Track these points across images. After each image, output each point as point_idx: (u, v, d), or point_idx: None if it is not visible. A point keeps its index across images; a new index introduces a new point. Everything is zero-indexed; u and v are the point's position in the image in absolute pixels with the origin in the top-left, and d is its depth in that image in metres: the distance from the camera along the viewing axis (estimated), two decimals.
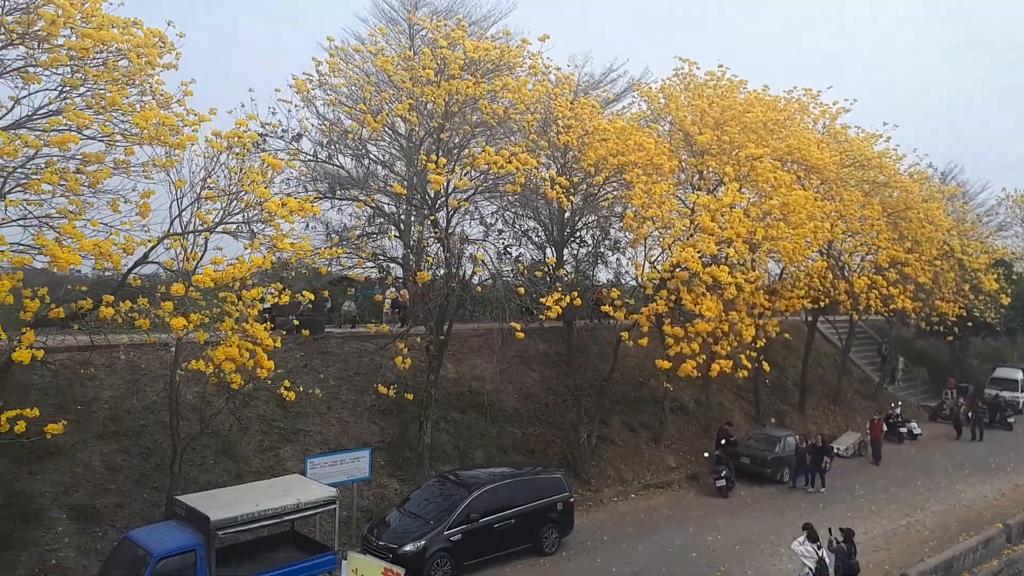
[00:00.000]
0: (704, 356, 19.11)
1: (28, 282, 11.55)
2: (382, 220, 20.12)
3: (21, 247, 11.23)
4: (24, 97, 11.62)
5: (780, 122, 24.97)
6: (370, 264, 20.44)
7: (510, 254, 23.41)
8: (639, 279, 21.05)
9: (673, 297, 19.21)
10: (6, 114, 11.52)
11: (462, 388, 22.67)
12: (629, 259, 24.37)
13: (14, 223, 11.67)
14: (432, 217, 18.38)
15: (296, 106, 17.53)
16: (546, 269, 21.20)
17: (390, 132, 19.18)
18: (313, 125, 18.41)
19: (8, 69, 11.45)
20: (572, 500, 17.98)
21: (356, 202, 19.42)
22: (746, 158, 21.57)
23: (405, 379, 19.03)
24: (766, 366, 21.77)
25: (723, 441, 23.23)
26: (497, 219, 22.92)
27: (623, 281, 25.47)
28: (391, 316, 25.05)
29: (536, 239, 24.40)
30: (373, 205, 18.93)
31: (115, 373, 17.38)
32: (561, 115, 20.11)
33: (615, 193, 21.87)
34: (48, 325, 12.25)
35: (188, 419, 15.85)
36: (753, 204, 21.30)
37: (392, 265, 21.05)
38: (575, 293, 18.45)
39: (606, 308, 19.53)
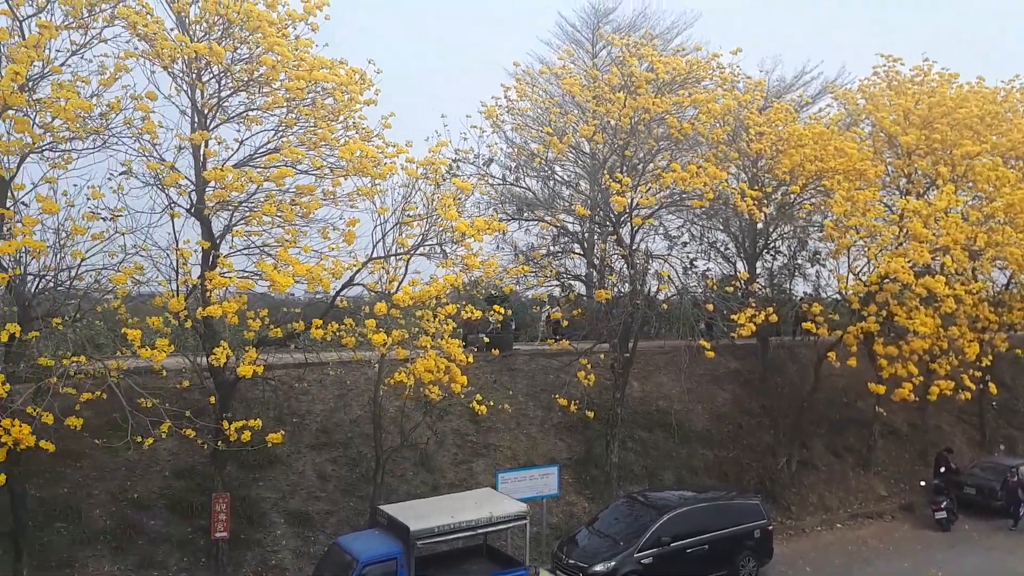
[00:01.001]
0: (922, 378, 17.42)
1: (251, 305, 12.86)
2: (566, 239, 20.32)
3: (245, 273, 12.53)
4: (247, 138, 13.05)
5: (1000, 115, 22.31)
6: (554, 282, 20.71)
7: (697, 268, 22.74)
8: (842, 292, 19.64)
9: (883, 312, 17.72)
10: (233, 154, 12.95)
11: (649, 407, 22.23)
12: (830, 271, 22.80)
13: (239, 252, 13.07)
14: (615, 235, 18.28)
15: (485, 132, 18.21)
16: (737, 284, 20.35)
17: (574, 152, 19.38)
18: (501, 149, 19.05)
19: (234, 114, 12.88)
20: (771, 528, 16.99)
21: (542, 222, 19.77)
22: (961, 157, 19.53)
23: (590, 396, 18.99)
24: (993, 387, 19.48)
25: (942, 469, 21.00)
26: (683, 233, 22.39)
27: (824, 294, 23.90)
28: (544, 333, 25.00)
29: (725, 252, 23.52)
30: (558, 225, 19.16)
31: (325, 388, 18.78)
32: (752, 122, 19.33)
33: (813, 201, 20.62)
34: (268, 344, 13.52)
35: (389, 432, 16.76)
36: (972, 207, 19.23)
37: (575, 283, 21.19)
38: (770, 309, 17.54)
39: (807, 324, 18.40)
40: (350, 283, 13.32)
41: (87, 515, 14.35)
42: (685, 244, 22.50)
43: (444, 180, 13.82)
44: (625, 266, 18.71)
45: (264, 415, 13.97)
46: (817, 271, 23.86)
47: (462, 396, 14.68)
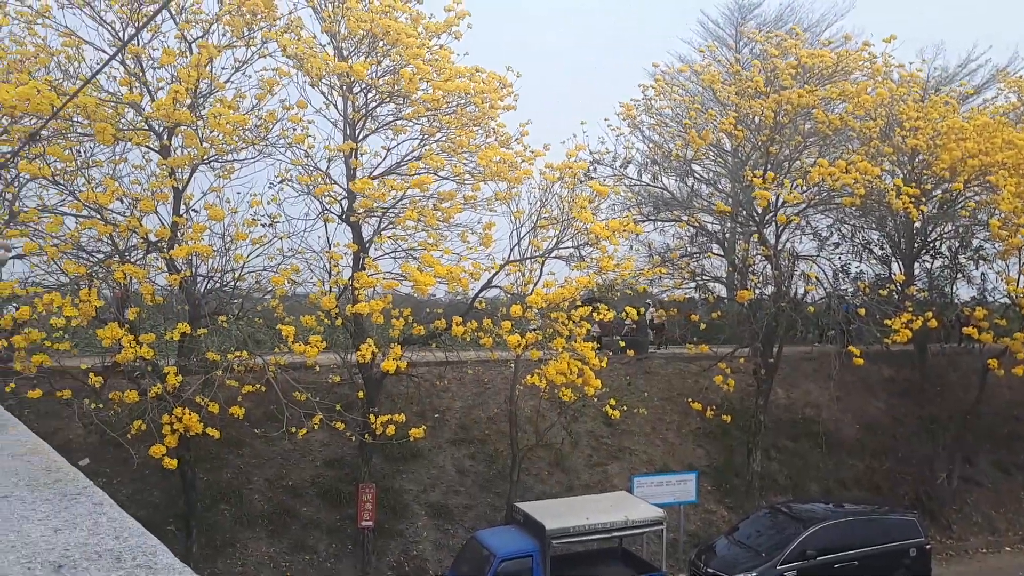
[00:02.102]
0: None
1: (395, 304, 13.43)
2: (705, 239, 19.80)
3: (391, 274, 13.12)
4: (394, 147, 13.65)
5: None
6: (691, 284, 20.23)
7: (848, 271, 21.50)
8: (1011, 296, 17.97)
9: None
10: (380, 163, 13.60)
11: (794, 415, 21.26)
12: (998, 273, 20.94)
13: (386, 255, 13.69)
14: (758, 234, 17.61)
15: (623, 133, 18.09)
16: (892, 287, 19.08)
17: (715, 150, 18.88)
18: (639, 150, 18.86)
19: (381, 124, 13.52)
20: (929, 547, 15.79)
21: (679, 222, 19.37)
22: None
23: (731, 402, 18.40)
24: None
25: None
26: (832, 233, 21.23)
27: (990, 298, 21.95)
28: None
29: (879, 253, 22.11)
30: (696, 224, 18.71)
31: (464, 386, 19.29)
32: (907, 116, 18.05)
33: (978, 199, 19.00)
34: (411, 342, 14.07)
35: (525, 431, 16.98)
36: None
37: (714, 284, 20.60)
38: (929, 314, 16.30)
39: (968, 330, 16.96)
40: (488, 285, 13.64)
41: (247, 499, 15.47)
42: (836, 245, 21.33)
43: (580, 183, 13.86)
44: (768, 267, 17.99)
45: (407, 410, 14.50)
46: (983, 273, 21.97)
47: (595, 399, 14.64)
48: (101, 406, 11.67)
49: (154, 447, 10.97)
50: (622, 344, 18.42)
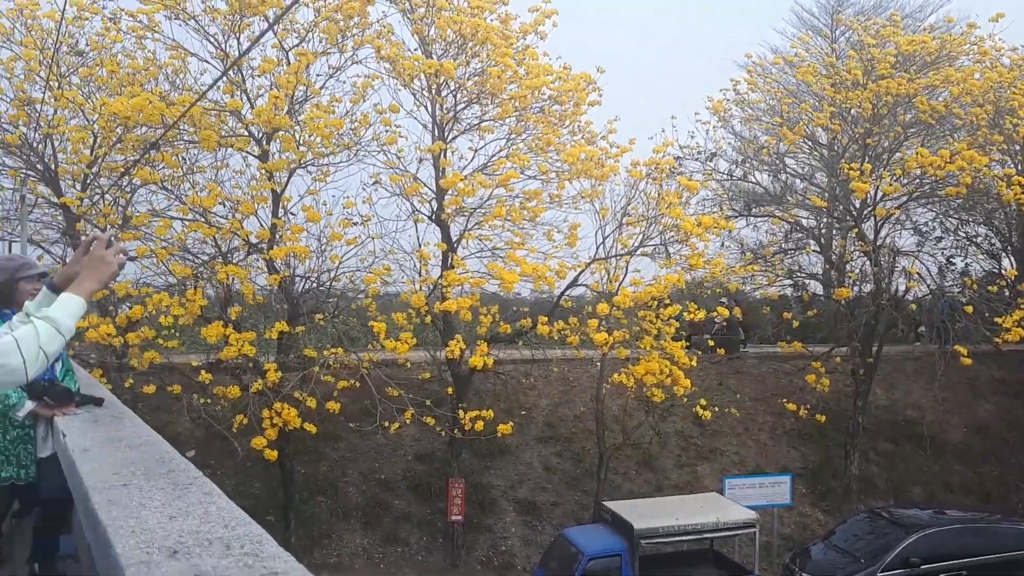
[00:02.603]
0: None
1: (483, 303, 13.61)
2: (800, 235, 19.19)
3: (478, 273, 13.30)
4: (481, 147, 13.84)
5: None
6: (786, 281, 19.64)
7: (954, 266, 20.41)
8: None
9: None
10: (467, 164, 13.81)
11: (895, 417, 20.34)
12: None
13: (473, 255, 13.90)
14: (856, 229, 16.94)
15: (713, 126, 17.74)
16: (1003, 282, 17.99)
17: (809, 143, 18.27)
18: (729, 144, 18.46)
19: (469, 125, 13.73)
20: None
21: (772, 218, 18.84)
22: None
23: (827, 403, 17.77)
24: None
25: None
26: (935, 227, 20.20)
27: None
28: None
29: (988, 247, 20.89)
30: (791, 220, 18.15)
31: (550, 384, 19.34)
32: (1019, 103, 16.96)
33: None
34: (498, 340, 14.22)
35: (612, 430, 16.88)
36: None
37: (809, 282, 19.94)
38: None
39: None
40: (574, 283, 13.64)
41: (343, 491, 15.98)
42: (939, 240, 20.28)
43: (667, 179, 13.69)
44: (867, 263, 17.28)
45: (495, 407, 14.67)
46: None
47: (685, 399, 14.42)
48: (208, 401, 12.28)
49: (256, 440, 11.48)
50: (712, 343, 18.08)
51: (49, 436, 4.47)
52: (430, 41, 12.97)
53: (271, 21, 11.40)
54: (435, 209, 13.52)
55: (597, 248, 13.63)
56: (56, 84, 12.20)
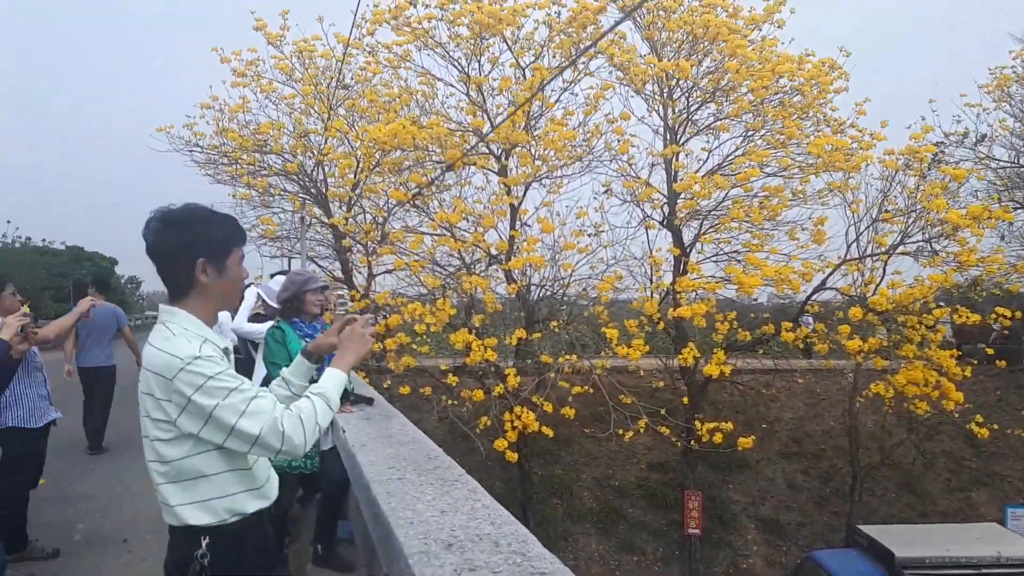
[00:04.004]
0: None
1: (719, 308, 13.10)
2: None
3: (713, 278, 12.84)
4: (715, 147, 13.40)
5: None
6: None
7: None
8: None
9: None
10: (702, 165, 13.43)
11: None
12: None
13: (707, 259, 13.46)
14: None
15: (984, 108, 15.71)
16: None
17: None
18: (1010, 128, 16.20)
19: (703, 126, 13.36)
20: None
21: None
22: None
23: None
24: None
25: None
26: None
27: None
28: None
29: None
30: None
31: (794, 396, 18.22)
32: None
33: None
34: (735, 348, 13.61)
35: (867, 447, 15.51)
36: None
37: None
38: None
39: None
40: (822, 286, 12.68)
41: (577, 495, 16.20)
42: None
43: (930, 169, 12.28)
44: None
45: (733, 418, 14.08)
46: None
47: (955, 415, 12.81)
48: (454, 402, 13.04)
49: (498, 441, 11.96)
50: (990, 352, 15.90)
51: (330, 431, 4.97)
52: (662, 44, 12.79)
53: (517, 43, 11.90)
54: (667, 214, 13.29)
55: (848, 247, 12.57)
56: (327, 116, 13.70)
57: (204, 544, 2.45)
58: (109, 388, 10.27)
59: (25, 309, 5.38)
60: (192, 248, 2.49)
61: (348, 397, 5.27)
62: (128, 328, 10.62)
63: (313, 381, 2.84)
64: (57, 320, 6.82)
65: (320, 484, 5.49)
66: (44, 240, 55.71)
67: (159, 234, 2.49)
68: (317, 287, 5.22)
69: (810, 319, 13.30)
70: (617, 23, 9.70)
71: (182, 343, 2.36)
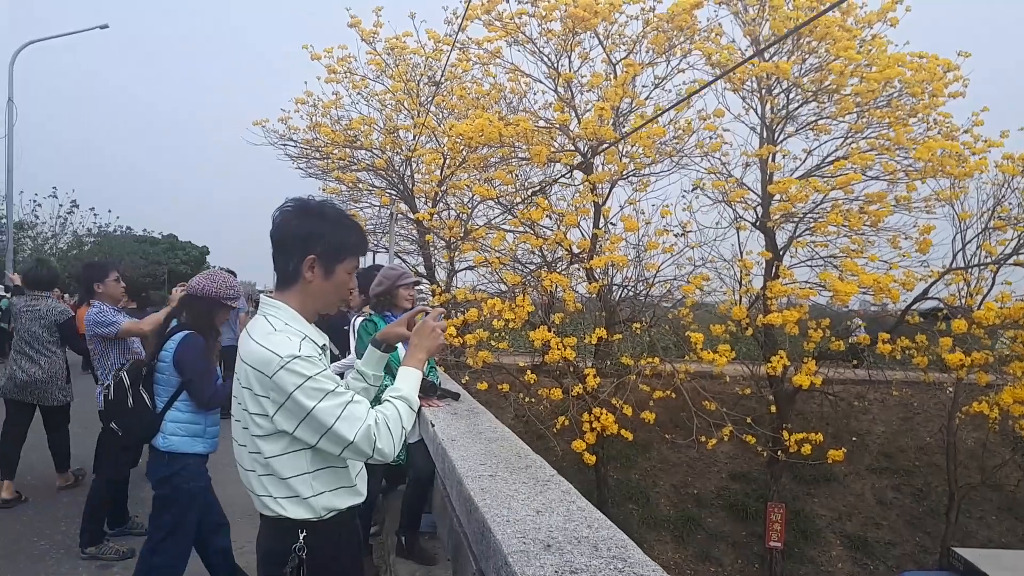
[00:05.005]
0: None
1: (811, 315, 12.58)
2: None
3: (807, 284, 12.34)
4: (815, 148, 12.88)
5: None
6: None
7: None
8: None
9: None
10: (800, 165, 12.94)
11: None
12: None
13: (802, 263, 12.95)
14: None
15: None
16: None
17: None
18: None
19: (802, 125, 12.85)
20: None
21: None
22: None
23: None
24: None
25: None
26: None
27: None
28: None
29: None
30: None
31: (887, 409, 17.40)
32: None
33: None
34: (828, 357, 13.06)
35: (966, 467, 14.66)
36: None
37: None
38: None
39: None
40: (923, 296, 12.03)
41: (653, 502, 15.89)
42: None
43: None
44: None
45: (822, 430, 13.53)
46: None
47: None
48: (531, 400, 12.98)
49: (576, 442, 11.81)
50: None
51: (416, 424, 4.97)
52: (764, 40, 12.36)
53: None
54: (760, 215, 12.86)
55: (955, 256, 11.88)
56: (416, 112, 13.86)
57: (302, 538, 2.47)
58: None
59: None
60: (308, 242, 2.51)
61: (435, 391, 5.26)
62: (244, 315, 10.95)
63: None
64: (151, 315, 7.11)
65: (406, 476, 5.52)
66: (145, 229, 58.67)
67: (285, 219, 2.53)
68: (410, 282, 5.31)
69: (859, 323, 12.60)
70: (713, 81, 9.40)
71: (283, 340, 2.36)
